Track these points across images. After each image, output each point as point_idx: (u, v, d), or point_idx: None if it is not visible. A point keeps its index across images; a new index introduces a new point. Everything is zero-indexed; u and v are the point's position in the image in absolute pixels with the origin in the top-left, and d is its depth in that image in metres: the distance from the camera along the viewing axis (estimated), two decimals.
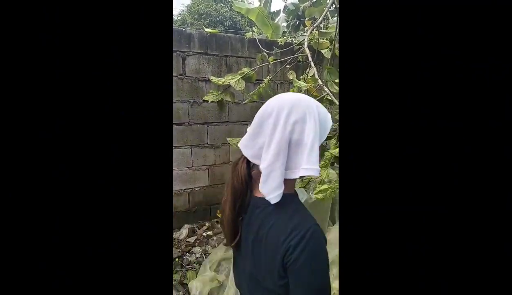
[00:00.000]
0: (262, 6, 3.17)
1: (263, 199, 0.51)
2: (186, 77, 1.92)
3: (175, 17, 9.63)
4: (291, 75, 1.48)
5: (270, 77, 1.65)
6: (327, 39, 1.89)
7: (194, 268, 1.63)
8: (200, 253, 1.79)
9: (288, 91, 1.64)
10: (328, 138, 1.64)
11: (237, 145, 1.47)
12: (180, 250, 1.81)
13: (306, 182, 1.69)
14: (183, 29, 1.97)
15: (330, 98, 1.41)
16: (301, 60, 2.03)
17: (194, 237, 1.96)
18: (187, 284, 1.44)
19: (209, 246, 1.86)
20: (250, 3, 3.58)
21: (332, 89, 1.69)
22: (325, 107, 1.66)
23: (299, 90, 1.42)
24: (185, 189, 2.07)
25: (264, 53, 1.73)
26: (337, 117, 1.55)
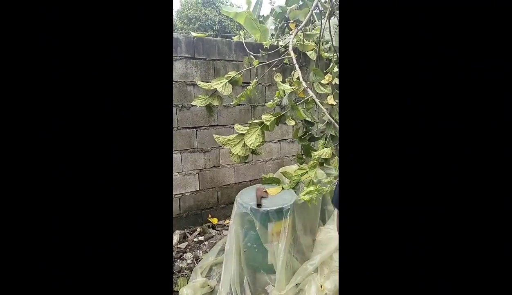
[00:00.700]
0: (251, 10, 3.19)
1: None
2: (174, 82, 1.91)
3: None
4: (277, 78, 1.49)
5: (257, 79, 1.66)
6: (312, 41, 1.92)
7: (185, 274, 1.61)
8: (192, 258, 1.77)
9: (275, 93, 1.65)
10: (316, 139, 1.66)
11: (224, 143, 1.45)
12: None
13: (295, 183, 1.70)
14: None
15: (314, 100, 1.42)
16: (287, 62, 2.05)
17: (186, 243, 1.94)
18: (177, 292, 1.42)
19: (201, 252, 1.84)
20: (239, 7, 3.60)
21: (318, 90, 1.71)
22: (310, 108, 1.67)
23: (284, 93, 1.43)
24: (175, 194, 2.05)
25: (250, 56, 1.74)
26: (324, 118, 1.57)
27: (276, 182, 1.72)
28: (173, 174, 2.01)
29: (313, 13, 1.83)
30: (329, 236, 1.68)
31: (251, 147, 1.28)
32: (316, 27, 2.21)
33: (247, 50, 1.88)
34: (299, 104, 1.48)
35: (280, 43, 2.16)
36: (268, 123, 1.32)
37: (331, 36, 1.80)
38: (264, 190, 1.55)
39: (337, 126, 1.38)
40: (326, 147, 1.44)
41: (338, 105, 1.64)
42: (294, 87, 1.40)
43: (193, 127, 2.03)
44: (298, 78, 1.31)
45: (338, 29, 2.43)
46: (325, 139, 1.54)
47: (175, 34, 1.97)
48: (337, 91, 1.68)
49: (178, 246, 1.90)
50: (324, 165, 1.53)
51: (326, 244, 1.61)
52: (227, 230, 1.83)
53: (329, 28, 1.77)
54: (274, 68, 1.91)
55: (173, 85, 1.92)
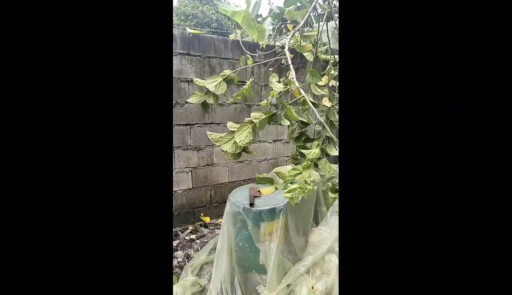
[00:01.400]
0: (250, 9, 3.18)
1: None
2: None
3: None
4: (273, 78, 1.49)
5: (253, 79, 1.65)
6: (309, 42, 1.92)
7: (176, 272, 1.59)
8: (183, 257, 1.75)
9: (270, 93, 1.65)
10: (310, 140, 1.66)
11: (216, 140, 1.44)
12: None
13: (289, 182, 1.70)
14: None
15: (310, 100, 1.42)
16: (284, 63, 2.05)
17: (177, 241, 1.92)
18: None
19: (192, 250, 1.83)
20: (237, 6, 3.58)
21: (315, 92, 1.71)
22: (307, 109, 1.67)
23: (276, 93, 1.43)
24: None
25: (247, 55, 1.73)
26: (322, 118, 1.57)
27: (270, 182, 1.71)
28: None
29: (311, 15, 1.83)
30: (321, 237, 1.69)
31: (240, 144, 1.28)
32: (314, 29, 2.22)
33: (244, 49, 1.87)
34: (292, 104, 1.48)
35: (277, 43, 2.16)
36: (257, 121, 1.31)
37: (328, 38, 1.80)
38: (258, 189, 1.55)
39: (329, 128, 1.39)
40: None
41: (335, 107, 1.65)
42: (287, 87, 1.39)
43: (186, 125, 2.01)
44: (292, 78, 1.31)
45: (335, 32, 2.45)
46: (321, 140, 1.55)
47: None
48: (334, 93, 1.69)
49: None
50: (318, 166, 1.53)
51: (318, 245, 1.61)
52: (220, 229, 1.82)
53: (327, 31, 1.78)
54: (270, 68, 1.90)
55: None
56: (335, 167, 1.48)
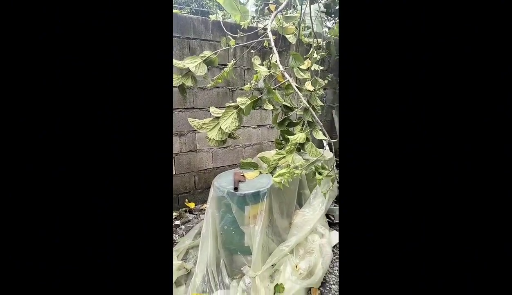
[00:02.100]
0: None
1: None
2: None
3: None
4: (255, 61, 1.46)
5: (235, 61, 1.60)
6: (292, 24, 1.89)
7: None
8: None
9: (253, 76, 1.62)
10: (294, 124, 1.67)
11: (199, 127, 1.40)
12: None
13: (273, 167, 1.72)
14: None
15: (291, 84, 1.41)
16: (266, 45, 2.00)
17: None
18: None
19: (177, 235, 1.83)
20: None
21: (298, 76, 1.70)
22: (290, 94, 1.66)
23: (262, 77, 1.41)
24: None
25: (228, 36, 1.68)
26: (301, 103, 1.57)
27: (254, 166, 1.72)
28: None
29: None
30: (305, 219, 1.75)
31: (226, 131, 1.25)
32: (297, 11, 2.17)
33: (225, 30, 1.81)
34: (277, 88, 1.46)
35: (260, 25, 2.10)
36: (243, 107, 1.29)
37: (311, 21, 1.78)
38: (242, 174, 1.55)
39: (312, 112, 1.39)
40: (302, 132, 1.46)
41: (317, 91, 1.65)
42: (271, 70, 1.37)
43: None
44: (276, 61, 1.29)
45: (319, 15, 2.41)
46: (303, 125, 1.56)
47: None
48: (316, 78, 1.69)
49: None
50: (301, 150, 1.56)
51: (301, 226, 1.66)
52: (204, 214, 1.82)
53: (310, 13, 1.75)
54: (252, 51, 1.86)
55: None
56: (321, 151, 1.50)
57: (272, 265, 1.39)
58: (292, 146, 1.47)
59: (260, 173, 1.64)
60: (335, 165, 1.46)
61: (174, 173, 2.08)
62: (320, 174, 1.39)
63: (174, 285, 1.32)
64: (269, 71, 1.33)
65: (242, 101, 1.32)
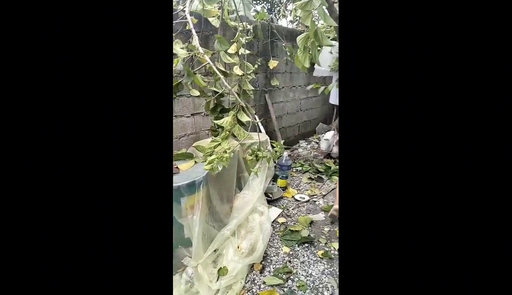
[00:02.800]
0: None
1: None
2: None
3: None
4: (177, 45, 1.38)
5: None
6: (215, 7, 1.83)
7: None
8: None
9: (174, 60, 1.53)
10: (226, 110, 1.67)
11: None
12: None
13: (209, 155, 1.70)
14: None
15: (220, 69, 1.39)
16: (189, 29, 1.91)
17: None
18: None
19: None
20: None
21: (225, 60, 1.68)
22: (218, 79, 1.63)
23: (181, 59, 1.34)
24: None
25: None
26: (235, 87, 1.57)
27: (189, 156, 1.67)
28: None
29: None
30: (245, 200, 1.80)
31: None
32: None
33: None
34: (205, 74, 1.42)
35: (180, 7, 1.97)
36: None
37: (235, 4, 1.75)
38: (176, 166, 1.50)
39: (241, 96, 1.41)
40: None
41: (247, 75, 1.67)
42: (191, 53, 1.32)
43: None
44: (196, 44, 1.24)
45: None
46: (236, 110, 1.57)
47: None
48: (244, 62, 1.70)
49: None
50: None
51: (242, 208, 1.72)
52: None
53: None
54: (173, 33, 1.74)
55: None
56: (251, 134, 1.54)
57: (215, 250, 1.41)
58: (227, 132, 1.47)
59: (196, 162, 1.61)
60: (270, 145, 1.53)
61: None
62: (256, 156, 1.44)
63: None
64: (189, 54, 1.28)
65: None
